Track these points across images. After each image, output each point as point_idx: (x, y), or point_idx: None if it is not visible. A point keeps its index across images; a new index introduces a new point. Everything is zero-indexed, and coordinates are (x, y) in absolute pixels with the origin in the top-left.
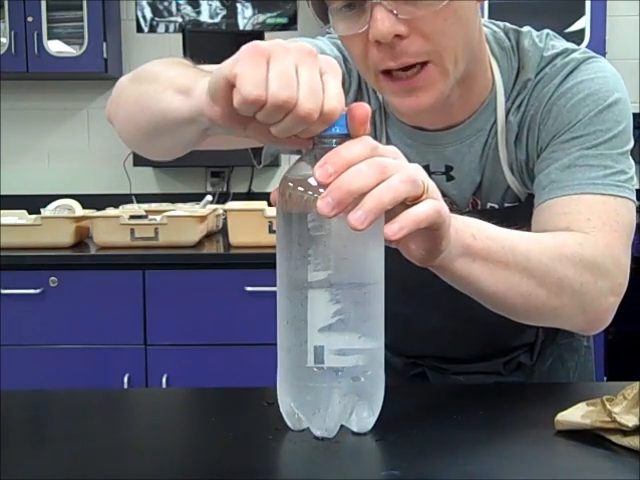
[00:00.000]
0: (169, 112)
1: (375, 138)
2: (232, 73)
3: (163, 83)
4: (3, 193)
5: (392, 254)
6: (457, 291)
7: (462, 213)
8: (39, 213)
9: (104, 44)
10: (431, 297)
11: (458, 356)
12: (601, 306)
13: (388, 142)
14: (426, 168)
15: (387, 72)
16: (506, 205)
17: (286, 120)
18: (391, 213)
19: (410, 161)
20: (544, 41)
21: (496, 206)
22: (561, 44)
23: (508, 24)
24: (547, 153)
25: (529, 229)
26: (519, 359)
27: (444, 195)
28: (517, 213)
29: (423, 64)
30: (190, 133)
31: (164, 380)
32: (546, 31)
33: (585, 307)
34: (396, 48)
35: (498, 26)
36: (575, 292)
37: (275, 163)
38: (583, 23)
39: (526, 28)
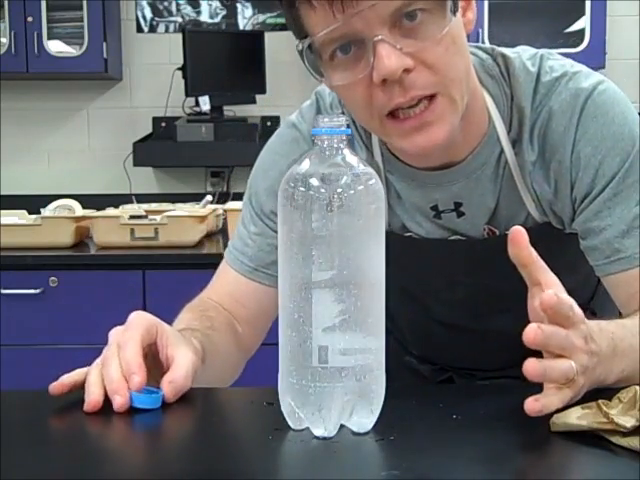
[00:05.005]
0: None
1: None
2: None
3: None
4: (3, 193)
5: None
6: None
7: (478, 242)
8: (39, 213)
9: (104, 44)
10: (452, 314)
11: (482, 367)
12: None
13: (389, 188)
14: (434, 208)
15: (392, 115)
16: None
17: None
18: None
19: (416, 202)
20: (537, 64)
21: None
22: (559, 64)
23: (497, 48)
24: (592, 212)
25: (549, 251)
26: None
27: (455, 233)
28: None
29: (431, 98)
30: None
31: None
32: (540, 52)
33: None
34: (404, 83)
35: (486, 51)
36: None
37: None
38: (583, 23)
39: (517, 49)
